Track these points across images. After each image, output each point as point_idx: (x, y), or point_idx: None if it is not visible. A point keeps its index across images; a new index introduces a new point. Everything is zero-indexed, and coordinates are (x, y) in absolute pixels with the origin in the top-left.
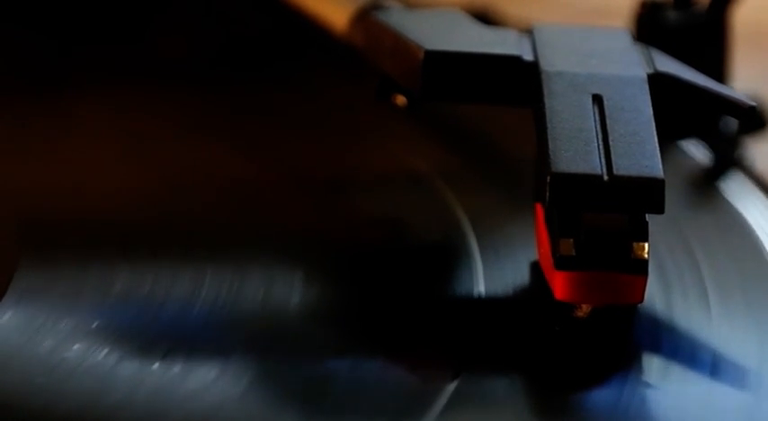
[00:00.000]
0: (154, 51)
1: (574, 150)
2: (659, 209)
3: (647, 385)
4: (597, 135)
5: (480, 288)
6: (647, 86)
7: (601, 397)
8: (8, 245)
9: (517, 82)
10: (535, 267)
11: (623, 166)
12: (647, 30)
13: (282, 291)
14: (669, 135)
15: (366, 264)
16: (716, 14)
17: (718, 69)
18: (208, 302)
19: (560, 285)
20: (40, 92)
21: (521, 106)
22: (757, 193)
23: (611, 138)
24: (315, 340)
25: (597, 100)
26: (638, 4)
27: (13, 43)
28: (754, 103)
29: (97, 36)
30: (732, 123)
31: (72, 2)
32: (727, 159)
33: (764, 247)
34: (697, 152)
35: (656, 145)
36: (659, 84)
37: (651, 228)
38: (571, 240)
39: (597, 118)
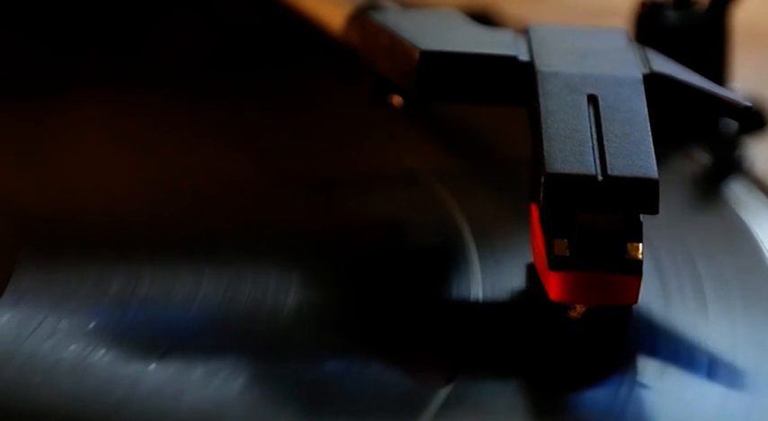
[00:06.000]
0: (152, 54)
1: (568, 151)
2: (653, 209)
3: (644, 386)
4: (592, 135)
5: (477, 290)
6: (642, 87)
7: (596, 398)
8: (7, 245)
9: (512, 82)
10: (532, 268)
11: (618, 167)
12: (647, 30)
13: (279, 292)
14: (668, 136)
15: (363, 266)
16: (716, 14)
17: (717, 69)
18: (205, 303)
19: (554, 286)
20: (41, 94)
21: (516, 106)
22: (756, 194)
23: (605, 138)
24: (311, 341)
25: (592, 100)
26: (637, 4)
27: (13, 47)
28: (749, 104)
29: (96, 39)
30: (732, 124)
31: (71, 6)
32: (727, 160)
33: (763, 248)
34: (696, 153)
35: (651, 145)
36: (655, 84)
37: (649, 229)
38: (565, 241)
39: (592, 118)
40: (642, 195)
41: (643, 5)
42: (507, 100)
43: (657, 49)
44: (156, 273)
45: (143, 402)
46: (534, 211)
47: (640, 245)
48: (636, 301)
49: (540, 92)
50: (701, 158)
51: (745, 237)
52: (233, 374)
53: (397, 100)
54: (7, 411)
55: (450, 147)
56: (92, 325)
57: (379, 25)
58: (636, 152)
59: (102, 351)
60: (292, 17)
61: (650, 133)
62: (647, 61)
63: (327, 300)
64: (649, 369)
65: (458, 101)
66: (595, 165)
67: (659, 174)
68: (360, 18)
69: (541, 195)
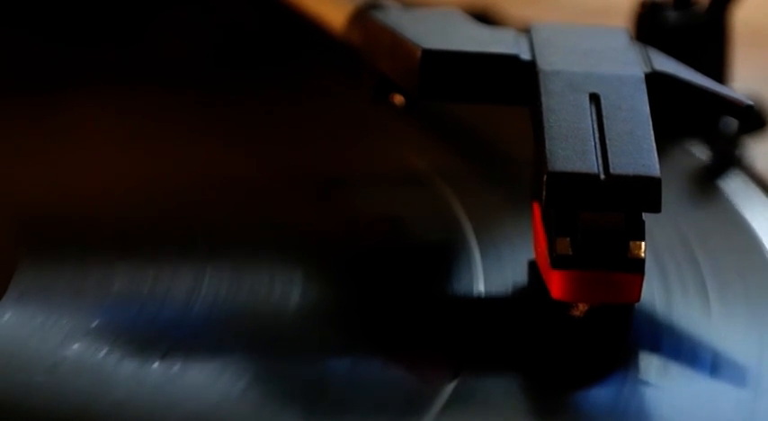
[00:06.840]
0: (152, 51)
1: (571, 149)
2: (656, 207)
3: (647, 384)
4: (594, 134)
5: (480, 287)
6: (644, 85)
7: (600, 396)
8: (8, 244)
9: (514, 81)
10: (534, 265)
11: (620, 165)
12: (647, 29)
13: (282, 290)
14: (669, 134)
15: (365, 263)
16: (716, 14)
17: (717, 69)
18: (207, 301)
19: (557, 284)
20: (40, 92)
21: (518, 105)
22: (757, 193)
23: (607, 137)
24: (314, 339)
25: (594, 99)
26: (638, 4)
27: (13, 44)
28: (751, 102)
29: (96, 37)
30: (732, 123)
31: (71, 3)
32: (728, 158)
33: (764, 246)
34: (697, 151)
35: (653, 144)
36: (657, 83)
37: (651, 227)
38: (568, 239)
39: (594, 117)
40: (644, 194)
41: (643, 5)
42: (509, 99)
43: (657, 48)
44: (157, 271)
45: (145, 401)
46: (536, 210)
47: (643, 243)
48: (638, 300)
49: (542, 90)
50: (702, 156)
51: (746, 234)
52: (235, 373)
53: (398, 99)
54: (9, 410)
55: (452, 145)
56: (94, 324)
57: (381, 24)
58: (638, 150)
59: (105, 350)
60: (294, 16)
61: (652, 132)
62: (648, 60)
63: (330, 298)
64: (652, 367)
65: (459, 100)
66: (598, 164)
67: (661, 172)
68: (361, 17)
69: (544, 194)
